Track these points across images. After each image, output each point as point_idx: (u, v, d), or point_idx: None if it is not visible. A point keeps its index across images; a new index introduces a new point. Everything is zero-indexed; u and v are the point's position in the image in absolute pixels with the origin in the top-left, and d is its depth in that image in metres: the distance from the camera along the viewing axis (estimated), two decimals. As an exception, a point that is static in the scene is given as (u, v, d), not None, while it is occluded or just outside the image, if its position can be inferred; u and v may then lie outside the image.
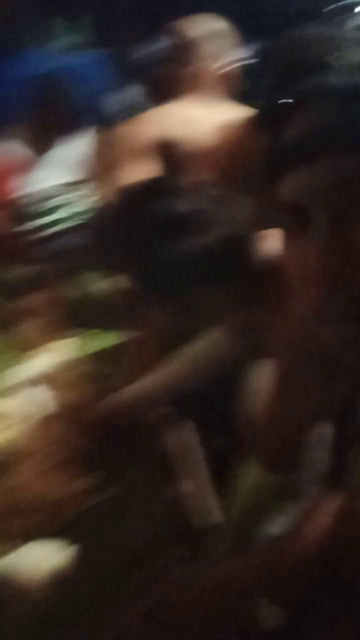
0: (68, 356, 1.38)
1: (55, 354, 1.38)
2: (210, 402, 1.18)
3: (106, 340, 1.48)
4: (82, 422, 1.14)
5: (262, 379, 0.86)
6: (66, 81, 1.80)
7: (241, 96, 1.52)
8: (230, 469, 0.89)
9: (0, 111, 2.74)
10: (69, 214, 2.06)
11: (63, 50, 2.96)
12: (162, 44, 2.12)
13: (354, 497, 0.56)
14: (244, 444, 0.84)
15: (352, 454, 0.56)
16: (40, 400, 1.19)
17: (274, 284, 0.60)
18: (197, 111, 1.50)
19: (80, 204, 2.12)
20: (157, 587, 0.73)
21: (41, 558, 0.89)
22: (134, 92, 2.90)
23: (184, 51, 1.51)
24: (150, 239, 0.84)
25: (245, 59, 1.58)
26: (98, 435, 1.11)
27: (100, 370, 1.34)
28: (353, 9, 1.83)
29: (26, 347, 1.43)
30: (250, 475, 0.82)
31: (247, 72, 1.54)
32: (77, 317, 1.55)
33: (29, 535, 0.93)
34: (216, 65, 1.51)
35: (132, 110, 2.75)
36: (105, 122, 2.26)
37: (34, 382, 1.27)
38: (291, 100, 0.39)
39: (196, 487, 1.05)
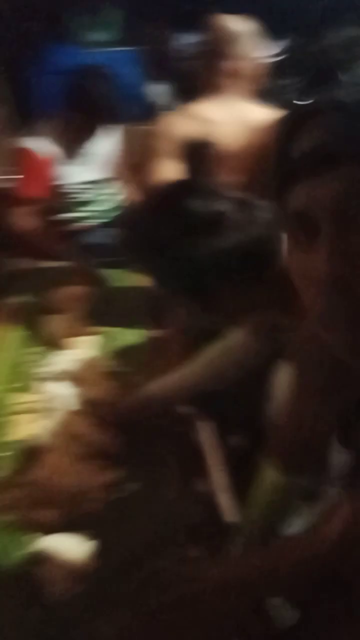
0: (92, 353, 1.40)
1: (79, 351, 1.40)
2: (231, 401, 1.19)
3: (130, 337, 1.50)
4: (105, 418, 1.15)
5: (283, 381, 0.86)
6: (99, 77, 1.80)
7: (267, 94, 1.51)
8: (249, 469, 0.89)
9: (34, 106, 2.79)
10: (97, 211, 2.09)
11: (95, 46, 2.99)
12: (193, 42, 2.13)
13: None
14: (263, 444, 0.85)
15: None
16: (64, 396, 1.21)
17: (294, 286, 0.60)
18: (225, 111, 1.50)
19: (108, 201, 2.14)
20: (172, 584, 0.74)
21: (63, 549, 0.91)
22: (163, 89, 2.91)
23: (214, 50, 1.51)
24: (176, 239, 0.85)
25: (273, 56, 1.57)
26: (120, 432, 1.12)
27: (124, 368, 1.36)
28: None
29: (52, 343, 1.45)
30: (269, 476, 0.82)
31: (274, 69, 1.53)
32: (101, 314, 1.57)
33: (51, 527, 0.95)
34: (245, 64, 1.51)
35: (161, 107, 2.77)
36: (135, 118, 2.27)
37: (58, 377, 1.29)
38: (310, 102, 0.39)
39: (215, 485, 1.06)
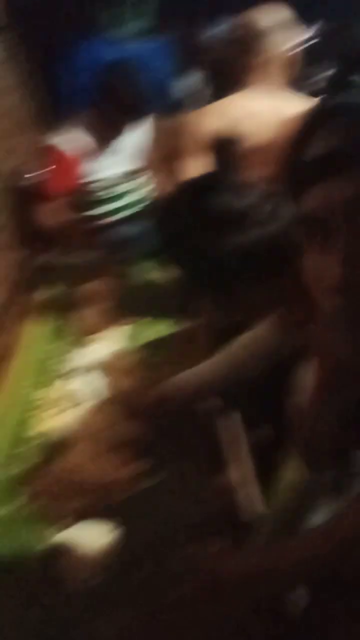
0: (122, 344, 1.42)
1: (109, 342, 1.42)
2: (257, 394, 1.19)
3: (159, 329, 1.51)
4: (133, 409, 1.17)
5: (307, 376, 0.86)
6: (131, 68, 1.80)
7: (297, 83, 1.49)
8: (274, 462, 0.90)
9: (64, 102, 2.81)
10: (128, 203, 2.10)
11: (128, 37, 2.98)
12: (226, 32, 2.10)
13: None
14: (288, 438, 0.85)
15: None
16: (94, 386, 1.23)
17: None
18: (258, 104, 1.48)
19: (139, 193, 2.15)
20: (198, 573, 0.75)
21: (91, 538, 0.93)
22: (196, 79, 2.89)
23: (247, 40, 1.49)
24: (201, 234, 0.86)
25: (304, 42, 1.55)
26: (148, 423, 1.14)
27: (152, 359, 1.38)
28: None
29: (83, 334, 1.48)
30: (292, 469, 0.83)
31: (304, 56, 1.51)
32: (131, 306, 1.59)
33: (79, 515, 0.97)
34: (278, 55, 1.49)
35: (194, 98, 2.76)
36: (167, 110, 2.27)
37: (89, 368, 1.31)
38: (322, 106, 0.39)
39: (241, 477, 1.07)
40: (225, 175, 0.85)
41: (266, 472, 0.93)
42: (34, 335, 1.52)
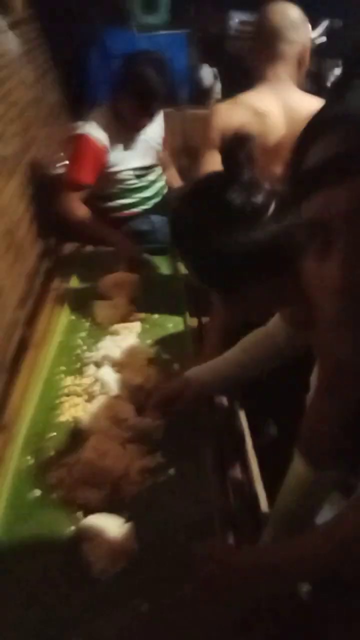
0: (136, 339, 1.43)
1: (124, 336, 1.43)
2: (268, 391, 1.19)
3: (173, 325, 1.52)
4: (146, 403, 1.19)
5: (314, 376, 0.86)
6: (154, 62, 1.78)
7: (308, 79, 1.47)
8: (282, 459, 0.90)
9: (89, 92, 2.81)
10: (148, 197, 2.10)
11: (148, 30, 2.97)
12: (244, 25, 2.08)
13: None
14: (294, 437, 0.85)
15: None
16: (107, 381, 1.24)
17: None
18: (274, 100, 1.47)
19: (160, 187, 2.15)
20: (203, 570, 0.76)
21: (106, 529, 0.93)
22: (209, 74, 2.87)
23: (263, 36, 1.48)
24: (213, 230, 0.85)
25: (316, 38, 1.53)
26: (160, 418, 1.15)
27: (166, 354, 1.39)
28: None
29: (100, 328, 1.49)
30: (300, 467, 0.83)
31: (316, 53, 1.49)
32: (146, 301, 1.60)
33: (94, 506, 0.98)
34: (295, 50, 1.47)
35: (208, 94, 2.74)
36: (184, 102, 2.25)
37: (101, 362, 1.32)
38: (323, 113, 0.39)
39: (249, 474, 1.07)
40: (240, 172, 0.85)
41: (275, 469, 0.93)
42: (65, 324, 1.54)
